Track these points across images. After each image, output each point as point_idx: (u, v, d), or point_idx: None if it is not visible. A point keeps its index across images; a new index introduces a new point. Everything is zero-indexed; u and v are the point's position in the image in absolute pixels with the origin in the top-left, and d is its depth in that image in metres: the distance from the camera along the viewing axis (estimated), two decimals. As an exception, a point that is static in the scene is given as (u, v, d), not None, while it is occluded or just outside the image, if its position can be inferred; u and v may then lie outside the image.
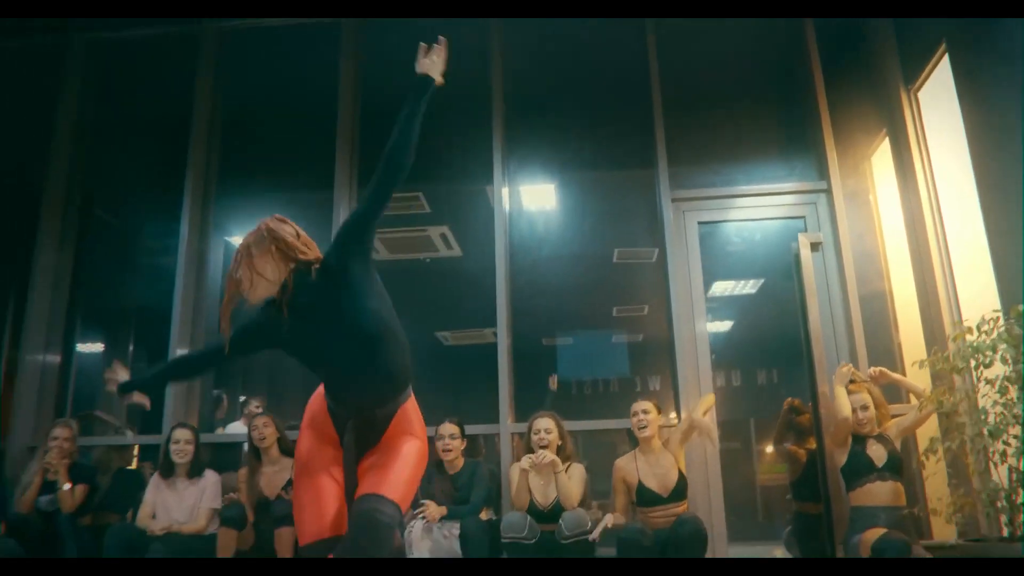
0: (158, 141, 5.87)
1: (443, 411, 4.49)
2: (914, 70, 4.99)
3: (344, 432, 2.41)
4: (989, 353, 3.47)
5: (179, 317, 5.14)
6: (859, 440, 3.98)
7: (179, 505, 4.33)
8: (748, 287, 7.03)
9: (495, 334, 5.03)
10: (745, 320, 7.66)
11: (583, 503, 4.17)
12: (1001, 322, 3.47)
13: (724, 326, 7.96)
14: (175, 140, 5.57)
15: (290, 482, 4.22)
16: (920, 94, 5.00)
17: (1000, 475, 3.49)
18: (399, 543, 4.12)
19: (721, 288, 6.93)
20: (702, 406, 4.30)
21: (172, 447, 4.38)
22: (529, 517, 3.96)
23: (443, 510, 4.15)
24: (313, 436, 2.46)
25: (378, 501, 2.21)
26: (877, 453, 3.90)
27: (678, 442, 4.19)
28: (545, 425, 4.22)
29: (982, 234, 4.17)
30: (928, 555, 3.54)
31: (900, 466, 3.91)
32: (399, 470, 2.31)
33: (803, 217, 5.13)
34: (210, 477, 4.42)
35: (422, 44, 2.42)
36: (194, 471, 4.40)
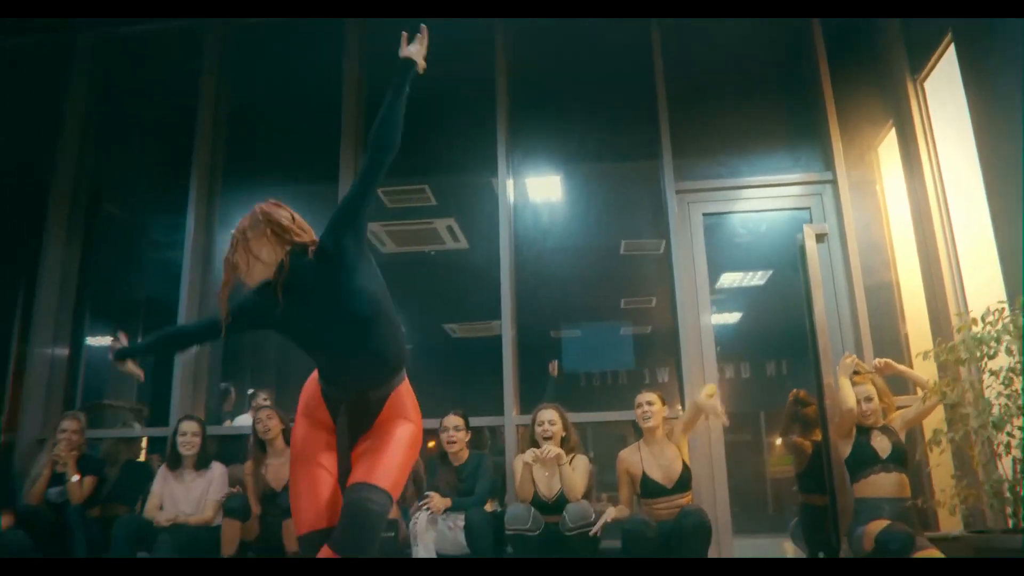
0: (164, 137, 5.90)
1: (451, 403, 4.51)
2: (920, 60, 4.95)
3: (337, 416, 2.44)
4: (994, 344, 3.46)
5: (186, 309, 5.20)
6: (863, 431, 3.96)
7: (186, 496, 4.37)
8: (757, 278, 7.01)
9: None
10: (754, 312, 7.64)
11: (587, 495, 4.15)
12: (1006, 313, 3.46)
13: (733, 318, 7.95)
14: (181, 136, 5.61)
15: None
16: (926, 84, 4.97)
17: (1004, 466, 3.49)
18: (404, 535, 4.17)
19: (730, 280, 6.92)
20: (704, 394, 4.27)
21: (179, 439, 4.42)
22: (533, 509, 3.95)
23: (448, 502, 4.17)
24: (307, 423, 2.49)
25: (369, 490, 2.25)
26: (881, 444, 3.88)
27: (682, 431, 4.18)
28: (549, 416, 4.22)
29: (988, 225, 4.15)
30: (932, 547, 3.54)
31: (904, 457, 3.89)
32: (391, 455, 2.35)
33: (809, 208, 5.10)
34: (217, 469, 4.46)
35: (404, 33, 2.45)
36: (201, 463, 4.44)
